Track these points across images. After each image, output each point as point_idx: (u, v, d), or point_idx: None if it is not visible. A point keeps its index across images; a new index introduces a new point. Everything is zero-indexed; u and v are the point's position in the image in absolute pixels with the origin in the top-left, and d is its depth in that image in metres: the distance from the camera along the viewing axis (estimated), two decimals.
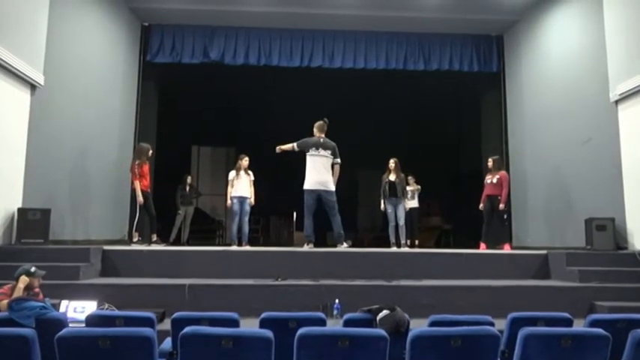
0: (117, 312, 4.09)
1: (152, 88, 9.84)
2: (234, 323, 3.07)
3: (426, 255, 6.62)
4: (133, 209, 7.44)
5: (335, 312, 4.72)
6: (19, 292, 3.72)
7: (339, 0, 8.63)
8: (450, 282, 5.52)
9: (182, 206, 9.65)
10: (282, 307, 4.28)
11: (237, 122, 12.31)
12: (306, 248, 6.62)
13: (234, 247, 7.34)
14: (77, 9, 7.36)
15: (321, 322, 3.14)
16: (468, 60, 9.69)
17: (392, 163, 8.02)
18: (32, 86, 6.18)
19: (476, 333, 2.59)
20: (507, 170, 8.56)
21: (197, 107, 11.83)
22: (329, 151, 6.79)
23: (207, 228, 12.32)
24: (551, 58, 8.21)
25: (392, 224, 7.91)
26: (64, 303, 4.26)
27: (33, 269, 3.92)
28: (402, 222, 7.83)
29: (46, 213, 6.03)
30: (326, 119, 6.98)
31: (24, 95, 6.09)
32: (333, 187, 6.77)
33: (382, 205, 8.01)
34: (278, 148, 6.99)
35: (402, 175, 8.07)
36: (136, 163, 7.13)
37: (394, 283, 5.34)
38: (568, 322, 3.23)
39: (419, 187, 9.45)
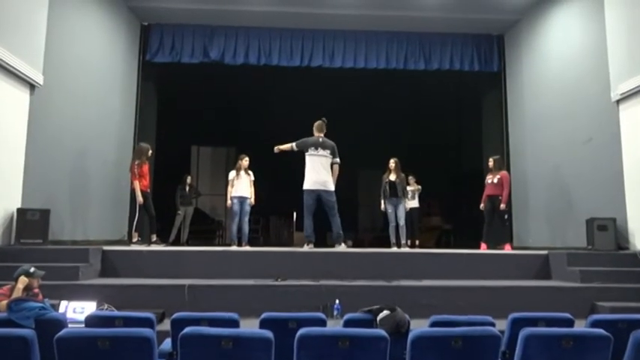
0: (116, 312, 4.07)
1: (152, 87, 9.84)
2: (234, 324, 3.06)
3: (426, 255, 6.61)
4: (132, 209, 7.42)
5: (335, 312, 4.71)
6: (18, 292, 3.71)
7: None
8: (450, 282, 5.51)
9: (182, 206, 9.64)
10: (282, 307, 4.26)
11: (237, 122, 12.30)
12: (306, 248, 6.60)
13: (234, 248, 7.33)
14: (76, 8, 7.35)
15: (322, 323, 3.13)
16: (468, 59, 9.69)
17: (392, 163, 8.01)
18: (31, 86, 6.17)
19: (476, 333, 2.58)
20: (508, 170, 8.54)
21: (197, 107, 11.83)
22: (328, 151, 6.77)
23: (207, 228, 12.32)
24: (552, 58, 8.20)
25: (392, 224, 7.89)
26: (63, 303, 4.25)
27: (32, 270, 3.91)
28: (402, 222, 7.81)
29: (45, 213, 6.01)
30: (324, 119, 6.97)
31: (23, 95, 6.08)
32: (332, 187, 6.76)
33: (382, 205, 8.00)
34: (276, 148, 6.97)
35: (403, 175, 8.05)
36: (136, 163, 7.12)
37: (394, 283, 5.33)
38: (569, 323, 3.22)
39: (419, 187, 9.43)
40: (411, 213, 8.73)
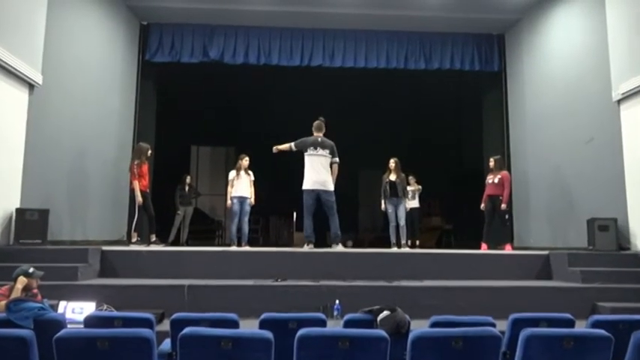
0: (115, 313, 4.07)
1: (151, 87, 9.82)
2: (234, 324, 3.05)
3: (426, 255, 6.60)
4: (131, 209, 7.42)
5: (335, 313, 4.68)
6: (17, 292, 3.71)
7: None
8: (451, 282, 5.50)
9: (181, 206, 9.62)
10: (282, 307, 4.25)
11: (237, 122, 12.28)
12: (306, 248, 6.59)
13: (234, 248, 7.32)
14: (75, 8, 7.34)
15: (322, 323, 3.12)
16: (469, 59, 9.67)
17: (392, 162, 7.99)
18: (30, 86, 6.16)
19: (477, 334, 2.57)
20: (509, 170, 8.52)
21: (196, 107, 11.82)
22: (327, 151, 6.76)
23: (207, 228, 12.29)
24: (553, 57, 8.19)
25: (392, 224, 7.88)
26: (62, 304, 4.24)
27: (31, 270, 3.90)
28: (402, 222, 7.80)
29: (44, 213, 6.00)
30: (322, 118, 6.95)
31: (22, 95, 6.07)
32: (331, 187, 6.75)
33: (383, 205, 7.98)
34: (275, 149, 6.96)
35: (403, 175, 8.04)
36: (135, 163, 7.11)
37: (395, 283, 5.31)
38: (570, 323, 3.21)
39: (420, 187, 9.42)
40: (411, 213, 8.71)
